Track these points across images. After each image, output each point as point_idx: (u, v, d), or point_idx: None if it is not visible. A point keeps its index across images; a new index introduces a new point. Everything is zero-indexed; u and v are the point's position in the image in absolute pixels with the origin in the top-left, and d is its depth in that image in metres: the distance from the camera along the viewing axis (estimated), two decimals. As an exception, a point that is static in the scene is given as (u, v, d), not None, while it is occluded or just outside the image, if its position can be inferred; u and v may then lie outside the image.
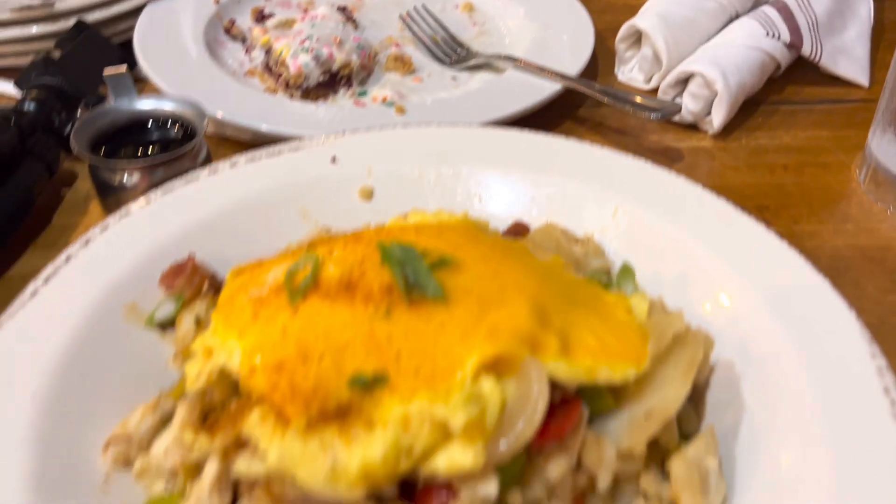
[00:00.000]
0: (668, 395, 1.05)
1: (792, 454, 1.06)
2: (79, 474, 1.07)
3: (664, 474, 1.10)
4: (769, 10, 2.18)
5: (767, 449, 1.10)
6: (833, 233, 1.75)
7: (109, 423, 1.14)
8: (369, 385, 0.95)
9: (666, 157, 1.95)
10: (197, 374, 1.06)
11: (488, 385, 0.96)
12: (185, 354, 1.25)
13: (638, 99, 1.84)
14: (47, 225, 1.76)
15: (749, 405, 1.16)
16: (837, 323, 1.20)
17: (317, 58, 1.98)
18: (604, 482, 1.02)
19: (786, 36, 2.13)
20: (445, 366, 0.97)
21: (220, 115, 1.81)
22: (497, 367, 0.99)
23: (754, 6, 2.27)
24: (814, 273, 1.28)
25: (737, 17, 2.24)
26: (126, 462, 1.12)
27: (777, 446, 1.09)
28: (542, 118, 1.95)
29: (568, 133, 1.85)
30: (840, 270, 1.65)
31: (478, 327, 1.01)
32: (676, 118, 2.02)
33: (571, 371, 1.01)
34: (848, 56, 2.24)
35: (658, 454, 1.11)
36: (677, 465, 1.05)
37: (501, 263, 1.13)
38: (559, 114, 2.03)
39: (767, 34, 2.11)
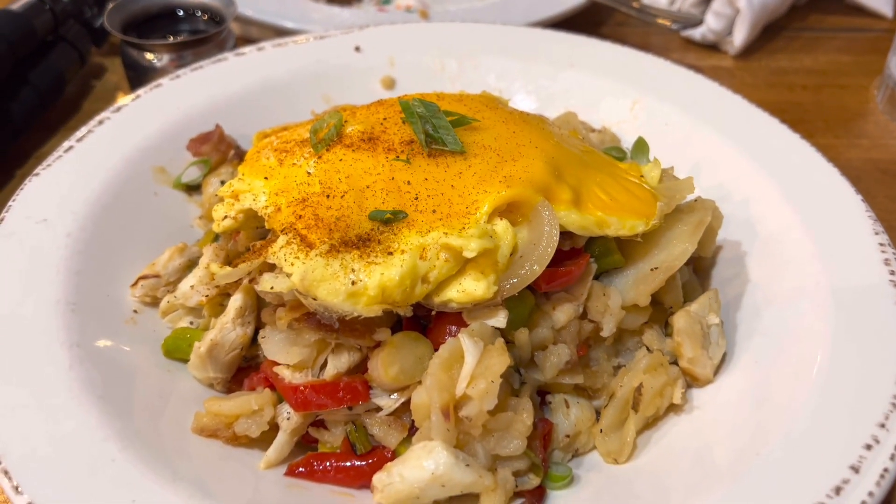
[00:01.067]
0: (674, 251, 1.09)
1: (792, 316, 1.10)
2: (110, 306, 1.13)
3: (667, 334, 1.14)
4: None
5: (769, 313, 1.13)
6: (848, 147, 1.77)
7: (138, 267, 1.20)
8: (388, 220, 0.99)
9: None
10: (223, 216, 1.10)
11: (502, 225, 1.00)
12: (209, 216, 1.30)
13: (660, 10, 1.85)
14: (77, 111, 1.81)
15: (753, 278, 1.20)
16: (843, 204, 1.23)
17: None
18: (608, 330, 1.06)
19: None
20: (461, 207, 1.01)
21: (249, 13, 1.85)
22: (511, 214, 1.03)
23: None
24: (823, 161, 1.31)
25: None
26: (154, 300, 1.17)
27: (778, 311, 1.13)
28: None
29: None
30: (852, 180, 1.65)
31: (494, 176, 1.04)
32: (698, 38, 2.03)
33: (582, 220, 1.05)
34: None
35: (662, 316, 1.15)
36: (680, 317, 1.09)
37: (519, 126, 1.16)
38: (583, 32, 2.05)
39: (794, -42, 2.11)
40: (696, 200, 1.17)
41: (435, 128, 1.09)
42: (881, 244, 1.16)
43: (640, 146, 1.32)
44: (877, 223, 1.19)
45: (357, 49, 1.60)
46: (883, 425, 0.92)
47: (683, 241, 1.10)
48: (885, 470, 0.88)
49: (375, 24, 1.68)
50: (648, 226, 1.09)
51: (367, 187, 1.04)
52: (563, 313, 1.05)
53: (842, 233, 1.18)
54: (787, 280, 1.16)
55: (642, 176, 1.17)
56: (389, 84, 1.58)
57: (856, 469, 0.88)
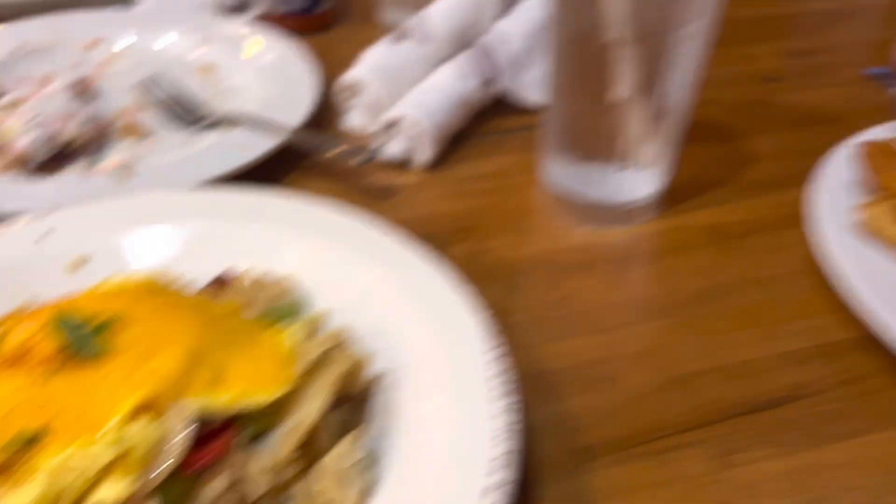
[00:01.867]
0: (312, 406, 1.27)
1: (426, 437, 1.31)
2: None
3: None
4: (471, 54, 2.50)
5: (409, 438, 1.33)
6: (520, 244, 2.03)
7: None
8: (28, 442, 1.09)
9: (384, 194, 2.20)
10: None
11: (137, 426, 1.13)
12: None
13: (342, 146, 2.08)
14: None
15: (399, 407, 1.40)
16: (472, 331, 1.47)
17: (43, 134, 2.08)
18: (263, 488, 1.21)
19: (486, 74, 2.46)
20: (101, 414, 1.13)
21: (-59, 201, 1.87)
22: (152, 408, 1.16)
23: (459, 52, 2.59)
24: (461, 292, 1.55)
25: (444, 63, 2.55)
26: None
27: (416, 435, 1.33)
28: (272, 169, 2.14)
29: (297, 180, 2.12)
30: (518, 275, 1.93)
31: (134, 375, 1.18)
32: (394, 157, 2.28)
33: (223, 398, 1.20)
34: (538, 87, 2.59)
35: (315, 458, 1.31)
36: (327, 460, 1.26)
37: (170, 314, 1.30)
38: (291, 162, 2.23)
39: (469, 75, 2.42)
40: (336, 349, 1.36)
41: (77, 338, 1.21)
42: (487, 361, 1.40)
43: (291, 308, 1.50)
44: (491, 339, 1.43)
45: (45, 236, 1.68)
46: (475, 533, 1.13)
47: (321, 393, 1.28)
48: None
49: (68, 204, 1.77)
50: (288, 387, 1.26)
51: (11, 410, 1.13)
52: (218, 483, 1.19)
53: (469, 358, 1.41)
54: (424, 405, 1.37)
55: (286, 339, 1.34)
56: (78, 266, 1.67)
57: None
